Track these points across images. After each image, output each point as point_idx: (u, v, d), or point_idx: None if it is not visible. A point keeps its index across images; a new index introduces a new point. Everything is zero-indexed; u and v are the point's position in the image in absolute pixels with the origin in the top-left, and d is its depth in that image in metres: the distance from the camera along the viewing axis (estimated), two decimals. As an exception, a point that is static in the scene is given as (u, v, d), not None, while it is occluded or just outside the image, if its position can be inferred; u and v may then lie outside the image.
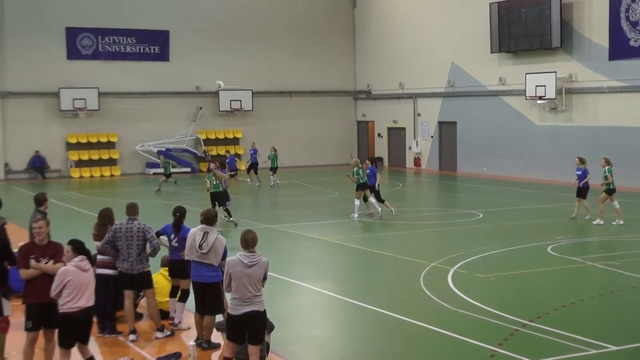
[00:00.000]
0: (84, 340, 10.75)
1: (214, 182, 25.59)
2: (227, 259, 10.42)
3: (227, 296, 11.16)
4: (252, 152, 39.73)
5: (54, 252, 10.96)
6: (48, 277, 10.79)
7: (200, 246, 11.96)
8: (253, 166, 39.29)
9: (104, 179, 44.27)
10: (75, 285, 10.53)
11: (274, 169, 38.26)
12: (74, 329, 10.57)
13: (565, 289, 16.37)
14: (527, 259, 19.70)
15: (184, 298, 13.49)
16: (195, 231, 12.16)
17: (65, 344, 10.59)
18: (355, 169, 26.64)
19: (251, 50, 49.28)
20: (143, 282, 13.04)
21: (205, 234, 12.04)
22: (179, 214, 13.58)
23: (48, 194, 15.41)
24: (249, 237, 10.27)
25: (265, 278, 10.33)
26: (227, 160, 34.62)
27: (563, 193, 31.48)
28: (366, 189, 26.72)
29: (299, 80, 50.85)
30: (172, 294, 13.75)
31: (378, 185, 27.04)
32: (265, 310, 10.33)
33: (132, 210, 13.15)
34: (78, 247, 10.95)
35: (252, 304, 10.15)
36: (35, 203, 13.87)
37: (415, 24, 47.08)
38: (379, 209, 26.33)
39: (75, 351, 10.69)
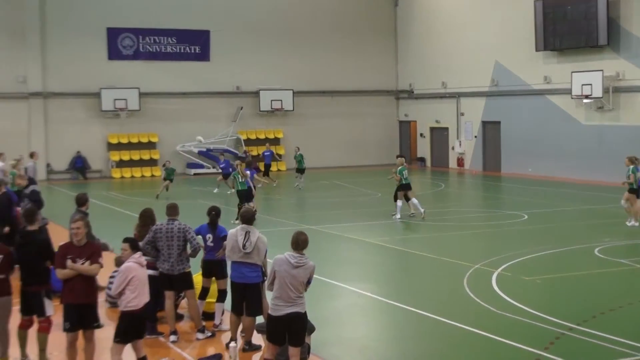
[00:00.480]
0: (140, 336, 10.91)
1: (240, 180, 25.78)
2: (275, 256, 10.43)
3: (268, 297, 11.19)
4: (266, 153, 39.80)
5: (91, 252, 11.04)
6: (84, 278, 10.92)
7: (243, 246, 11.98)
8: (266, 167, 39.42)
9: (145, 179, 44.64)
10: (139, 281, 10.69)
11: (300, 170, 37.45)
12: (134, 326, 10.72)
13: (613, 292, 16.18)
14: (574, 261, 19.50)
15: (222, 298, 13.53)
16: (235, 232, 12.17)
17: (123, 340, 10.74)
18: (400, 168, 26.59)
19: (292, 49, 49.38)
20: (183, 282, 13.11)
21: (247, 233, 12.05)
22: (215, 212, 13.64)
23: (89, 194, 15.56)
24: (301, 238, 10.29)
25: (309, 282, 10.33)
26: (221, 165, 35.53)
27: (610, 194, 31.09)
28: (409, 189, 26.66)
29: (340, 79, 50.81)
30: (202, 296, 13.79)
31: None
32: (306, 311, 10.33)
33: (172, 210, 13.23)
34: (135, 244, 11.12)
35: (293, 305, 10.15)
36: (76, 203, 13.98)
37: (458, 22, 46.83)
38: (422, 210, 26.24)
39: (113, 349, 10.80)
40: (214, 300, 13.76)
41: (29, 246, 11.60)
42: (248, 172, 26.62)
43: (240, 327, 12.53)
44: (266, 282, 10.50)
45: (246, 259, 12.04)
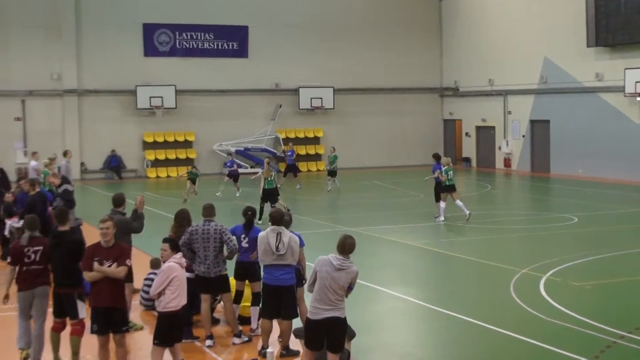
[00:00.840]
0: (179, 339, 11.01)
1: (269, 179, 26.11)
2: (318, 257, 10.44)
3: (306, 301, 11.20)
4: (289, 153, 39.80)
5: (118, 254, 11.09)
6: (111, 281, 10.98)
7: (277, 248, 12.03)
8: (290, 168, 39.14)
9: (181, 179, 44.85)
10: (180, 281, 10.80)
11: (332, 173, 36.03)
12: (174, 328, 10.82)
13: (667, 299, 16.02)
14: (626, 266, 19.30)
15: (257, 301, 13.52)
16: (266, 234, 12.16)
17: (162, 342, 10.85)
18: (445, 168, 26.51)
19: (332, 46, 49.40)
20: (220, 285, 13.17)
21: (279, 234, 12.08)
22: (251, 213, 13.69)
23: (125, 194, 15.63)
24: (347, 242, 10.27)
25: (351, 288, 10.31)
26: (228, 165, 35.14)
27: (665, 196, 30.76)
28: (453, 190, 26.57)
29: (382, 76, 50.75)
30: (236, 300, 13.80)
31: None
32: (346, 317, 10.33)
33: (208, 211, 13.29)
34: (175, 245, 11.22)
35: (333, 309, 10.15)
36: (113, 204, 14.03)
37: (505, 17, 46.57)
38: (467, 212, 26.13)
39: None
40: (249, 304, 13.82)
41: (60, 247, 11.74)
42: (273, 172, 26.74)
43: (277, 332, 12.56)
44: (306, 284, 10.50)
45: (280, 261, 12.06)
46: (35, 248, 11.96)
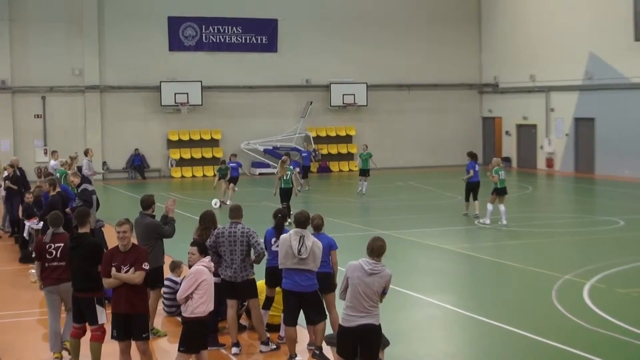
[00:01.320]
0: (205, 346, 11.07)
1: (285, 178, 26.34)
2: (348, 263, 10.43)
3: (338, 307, 11.19)
4: (305, 154, 39.78)
5: (135, 258, 11.18)
6: (130, 287, 11.11)
7: (299, 251, 12.02)
8: (304, 169, 38.80)
9: (207, 179, 44.96)
10: (208, 286, 10.87)
11: (364, 172, 34.99)
12: (201, 334, 10.88)
13: None
14: (675, 272, 19.14)
15: None
16: (288, 237, 12.19)
17: (188, 350, 10.93)
18: (496, 168, 26.27)
19: (366, 39, 49.34)
20: (247, 290, 13.18)
21: (302, 237, 12.09)
22: (281, 215, 13.68)
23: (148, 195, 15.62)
24: (376, 245, 10.28)
25: (385, 292, 10.30)
26: (231, 165, 32.12)
27: None
28: (504, 194, 26.28)
29: (418, 72, 50.63)
30: (266, 306, 13.83)
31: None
32: (380, 324, 10.31)
33: (235, 213, 13.30)
34: (203, 248, 11.29)
35: (367, 315, 10.13)
36: (141, 206, 13.99)
37: (548, 9, 46.30)
38: (505, 222, 25.79)
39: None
40: (279, 313, 13.80)
41: (79, 249, 11.84)
42: (295, 169, 26.84)
43: (306, 340, 12.55)
44: (338, 291, 10.50)
45: (302, 265, 12.07)
46: (57, 244, 12.32)
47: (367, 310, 10.13)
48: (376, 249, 10.24)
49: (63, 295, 12.43)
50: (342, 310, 10.39)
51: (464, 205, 28.40)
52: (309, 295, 12.18)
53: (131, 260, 11.13)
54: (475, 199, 27.85)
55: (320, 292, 12.56)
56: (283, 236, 12.36)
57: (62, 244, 12.27)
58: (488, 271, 20.04)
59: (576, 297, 16.41)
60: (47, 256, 12.30)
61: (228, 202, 29.84)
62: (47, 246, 12.32)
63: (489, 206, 26.36)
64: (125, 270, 11.06)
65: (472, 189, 27.92)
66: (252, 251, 13.02)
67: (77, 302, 11.88)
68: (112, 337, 11.27)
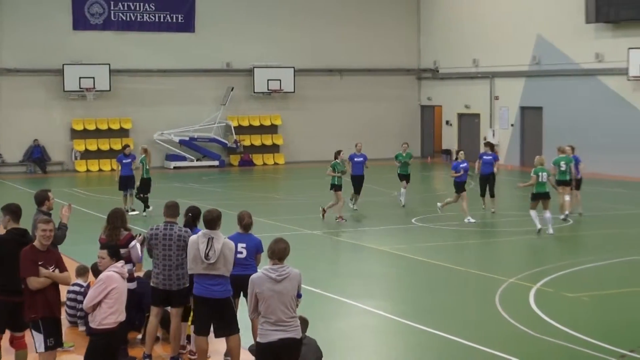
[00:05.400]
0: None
1: (147, 167, 28.12)
2: (251, 277, 10.40)
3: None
4: (360, 159, 31.03)
5: (56, 259, 11.26)
6: (56, 289, 11.17)
7: (206, 256, 11.99)
8: (358, 180, 30.28)
9: (115, 174, 44.51)
10: (119, 294, 10.78)
11: (406, 177, 30.90)
12: (109, 348, 10.81)
13: (674, 313, 16.22)
14: (627, 275, 19.52)
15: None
16: (196, 239, 12.15)
17: None
18: (538, 167, 24.63)
19: (293, 20, 49.32)
20: (183, 299, 13.06)
21: (210, 240, 12.06)
22: (192, 214, 13.46)
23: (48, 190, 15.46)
24: (278, 247, 10.26)
25: (299, 295, 10.35)
26: (125, 161, 30.22)
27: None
28: (546, 198, 24.49)
29: (350, 56, 50.75)
30: (186, 317, 13.62)
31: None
32: (302, 337, 10.34)
33: (171, 210, 13.22)
34: (115, 252, 11.19)
35: (286, 329, 10.18)
36: (35, 202, 13.91)
37: (493, -12, 46.86)
38: (551, 229, 24.21)
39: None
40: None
41: None
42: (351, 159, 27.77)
43: (223, 349, 12.53)
44: (249, 312, 10.47)
45: (211, 271, 12.05)
46: None
47: (286, 322, 10.16)
48: (278, 252, 10.23)
49: None
50: (259, 325, 10.38)
51: (480, 200, 28.67)
52: (222, 302, 12.17)
53: (54, 260, 11.19)
54: (492, 194, 27.95)
55: (245, 296, 12.57)
56: (191, 238, 12.29)
57: None
58: (426, 275, 20.19)
59: (522, 303, 16.63)
60: None
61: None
62: None
63: (532, 213, 24.60)
64: (52, 270, 11.11)
65: (486, 181, 28.01)
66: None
67: None
68: (48, 347, 11.19)
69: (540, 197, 24.40)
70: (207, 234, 12.08)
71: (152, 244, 12.97)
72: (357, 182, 29.45)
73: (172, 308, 13.20)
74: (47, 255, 11.17)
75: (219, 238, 12.11)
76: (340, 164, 27.48)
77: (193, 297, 12.40)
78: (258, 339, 10.36)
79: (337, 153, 28.13)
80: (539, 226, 24.24)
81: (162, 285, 12.90)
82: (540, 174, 24.33)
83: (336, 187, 27.08)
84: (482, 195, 28.81)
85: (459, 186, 26.92)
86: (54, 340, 11.19)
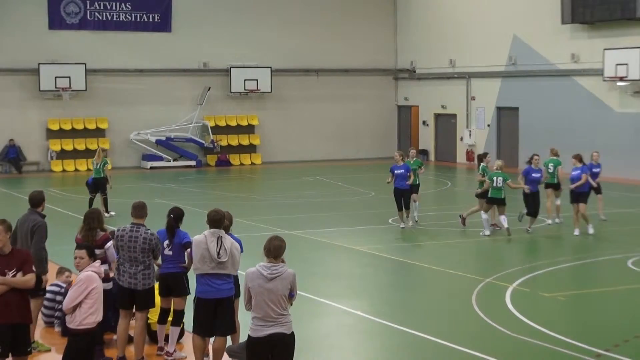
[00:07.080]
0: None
1: (96, 167, 28.51)
2: (247, 270, 10.42)
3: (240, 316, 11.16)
4: (401, 170, 30.66)
5: (21, 261, 10.97)
6: (17, 293, 10.87)
7: (218, 254, 11.96)
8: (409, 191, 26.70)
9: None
10: (98, 294, 10.73)
11: (555, 186, 27.50)
12: (91, 348, 10.75)
13: (649, 312, 16.31)
14: (603, 274, 19.61)
15: (178, 321, 13.39)
16: (203, 238, 12.07)
17: None
18: (495, 171, 24.49)
19: (270, 19, 49.26)
20: (148, 300, 13.01)
21: (219, 239, 12.04)
22: (174, 216, 13.36)
23: (24, 191, 15.39)
24: (273, 245, 10.29)
25: (292, 294, 10.35)
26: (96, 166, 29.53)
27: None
28: (501, 204, 24.41)
29: (327, 56, 50.74)
30: (161, 320, 13.56)
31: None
32: (293, 332, 10.35)
33: (138, 211, 13.15)
34: (92, 252, 11.11)
35: (276, 324, 10.19)
36: (31, 204, 13.75)
37: (469, -11, 46.96)
38: (506, 225, 24.27)
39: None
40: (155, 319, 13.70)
41: None
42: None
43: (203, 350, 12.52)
44: (244, 303, 10.46)
45: (220, 270, 12.03)
46: None
47: (275, 318, 10.18)
48: (274, 250, 10.25)
49: None
50: (249, 319, 10.40)
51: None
52: (226, 300, 12.16)
53: (17, 263, 10.91)
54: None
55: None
56: (197, 238, 12.20)
57: None
58: (403, 274, 20.23)
59: (498, 302, 16.68)
60: None
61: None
62: None
63: (484, 215, 24.45)
64: (12, 274, 10.84)
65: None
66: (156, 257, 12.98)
67: None
68: None
69: (494, 202, 24.34)
70: (215, 233, 12.05)
71: (119, 246, 12.94)
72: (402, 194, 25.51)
73: (136, 312, 13.12)
74: (8, 259, 10.88)
75: (227, 237, 12.13)
76: (487, 168, 25.28)
77: (196, 299, 12.26)
78: (249, 333, 10.36)
79: (484, 156, 26.31)
80: (487, 232, 24.19)
81: (127, 283, 12.85)
82: (495, 178, 24.06)
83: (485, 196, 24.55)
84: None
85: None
86: (1, 349, 10.85)
